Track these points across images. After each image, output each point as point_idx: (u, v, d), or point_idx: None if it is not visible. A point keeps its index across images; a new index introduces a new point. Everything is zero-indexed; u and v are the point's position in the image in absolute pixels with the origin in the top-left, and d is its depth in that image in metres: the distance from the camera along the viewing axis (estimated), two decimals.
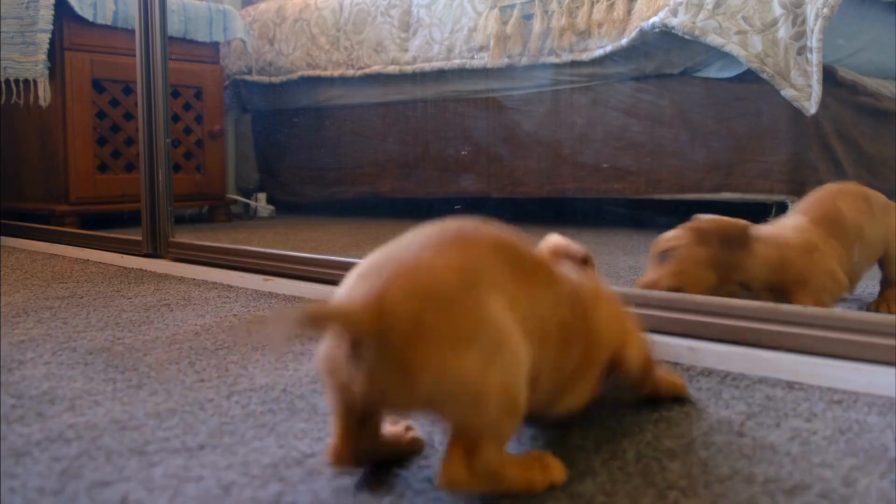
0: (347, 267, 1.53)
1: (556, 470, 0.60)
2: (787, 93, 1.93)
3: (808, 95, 1.91)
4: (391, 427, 0.66)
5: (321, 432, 0.73)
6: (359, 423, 0.58)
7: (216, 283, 1.59)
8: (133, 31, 2.64)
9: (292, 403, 0.81)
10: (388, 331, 0.50)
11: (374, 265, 0.56)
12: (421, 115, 2.81)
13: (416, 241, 0.57)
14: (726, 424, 0.74)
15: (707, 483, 0.61)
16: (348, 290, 0.55)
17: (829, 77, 2.01)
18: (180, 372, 0.93)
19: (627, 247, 2.01)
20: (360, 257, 1.51)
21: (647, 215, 2.56)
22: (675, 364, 0.96)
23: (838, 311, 1.00)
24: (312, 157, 3.17)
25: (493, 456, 0.54)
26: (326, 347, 0.56)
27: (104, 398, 0.83)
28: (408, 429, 0.67)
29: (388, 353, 0.51)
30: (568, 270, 0.70)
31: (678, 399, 0.81)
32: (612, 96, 2.34)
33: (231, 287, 1.54)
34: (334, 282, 1.42)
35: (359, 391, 0.53)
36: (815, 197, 1.25)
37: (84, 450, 0.68)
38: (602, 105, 2.36)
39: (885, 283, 1.28)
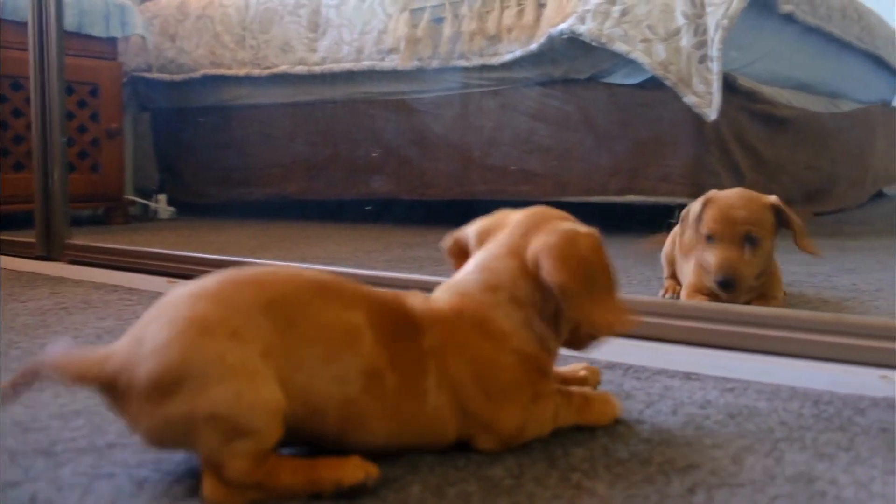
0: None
1: (348, 469, 0.58)
2: (689, 99, 1.99)
3: (708, 102, 1.98)
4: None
5: None
6: None
7: (117, 285, 1.52)
8: (22, 24, 2.53)
9: None
10: (111, 386, 0.57)
11: (143, 320, 0.60)
12: (330, 116, 2.78)
13: (192, 287, 0.61)
14: (627, 413, 0.76)
15: (607, 465, 0.63)
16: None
17: (729, 85, 2.08)
18: None
19: None
20: (268, 260, 1.47)
21: None
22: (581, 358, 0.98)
23: (731, 306, 1.05)
24: (217, 158, 3.09)
25: (241, 468, 0.55)
26: None
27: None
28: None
29: (114, 406, 0.58)
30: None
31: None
32: (521, 101, 2.36)
33: (133, 290, 1.48)
34: None
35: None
36: None
37: None
38: (511, 109, 2.38)
39: None
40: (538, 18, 2.26)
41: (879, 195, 3.42)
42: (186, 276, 1.47)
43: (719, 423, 0.73)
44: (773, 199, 1.19)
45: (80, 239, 1.77)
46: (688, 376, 0.90)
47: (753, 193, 1.20)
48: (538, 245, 0.67)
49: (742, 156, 2.20)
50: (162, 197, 3.19)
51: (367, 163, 2.69)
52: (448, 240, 0.77)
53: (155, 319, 0.58)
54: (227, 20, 2.96)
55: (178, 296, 0.60)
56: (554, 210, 0.73)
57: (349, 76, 2.67)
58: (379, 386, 0.60)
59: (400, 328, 0.63)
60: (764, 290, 1.23)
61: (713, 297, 1.20)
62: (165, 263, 1.54)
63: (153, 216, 3.17)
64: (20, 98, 2.60)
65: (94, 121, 2.81)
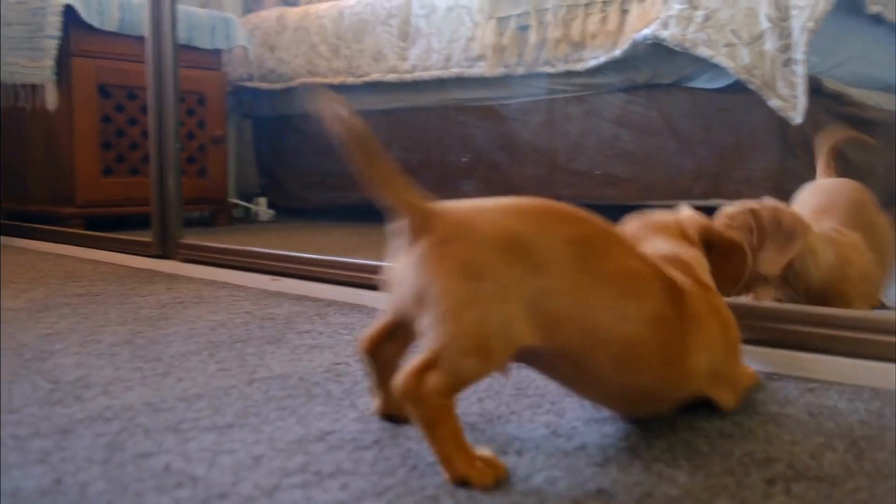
0: (352, 268, 1.59)
1: (486, 473, 0.61)
2: (774, 103, 2.01)
3: (793, 105, 1.99)
4: None
5: (338, 414, 0.79)
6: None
7: (225, 282, 1.65)
8: (138, 38, 2.72)
9: (309, 390, 0.88)
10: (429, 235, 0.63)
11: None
12: (421, 122, 2.88)
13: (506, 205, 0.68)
14: (707, 411, 0.80)
15: (688, 457, 0.68)
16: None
17: (815, 88, 2.08)
18: (201, 362, 1.00)
19: None
20: (365, 259, 1.57)
21: None
22: None
23: (813, 308, 1.07)
24: (314, 163, 3.24)
25: (441, 386, 0.60)
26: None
27: (135, 384, 0.89)
28: None
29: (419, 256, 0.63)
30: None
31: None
32: (605, 106, 2.41)
33: (240, 286, 1.60)
34: (340, 282, 1.49)
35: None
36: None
37: (123, 427, 0.75)
38: (595, 114, 2.43)
39: None
40: (622, 24, 2.30)
41: None
42: (288, 275, 1.59)
43: (799, 421, 0.77)
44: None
45: (191, 239, 1.91)
46: (769, 376, 0.94)
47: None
48: (699, 224, 0.87)
49: None
50: (262, 200, 3.37)
51: (457, 168, 2.78)
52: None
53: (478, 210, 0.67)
54: (323, 31, 3.10)
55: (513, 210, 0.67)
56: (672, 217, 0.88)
57: (439, 83, 2.77)
58: (662, 333, 0.68)
59: (675, 290, 0.72)
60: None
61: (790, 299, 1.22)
62: (269, 262, 1.66)
63: (254, 218, 3.34)
64: (135, 107, 2.79)
65: (200, 128, 2.99)
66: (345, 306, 1.39)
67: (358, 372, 0.95)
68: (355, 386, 0.89)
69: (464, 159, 2.75)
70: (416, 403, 0.61)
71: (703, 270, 0.81)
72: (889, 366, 0.91)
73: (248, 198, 3.42)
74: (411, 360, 0.62)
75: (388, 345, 0.73)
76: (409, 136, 2.91)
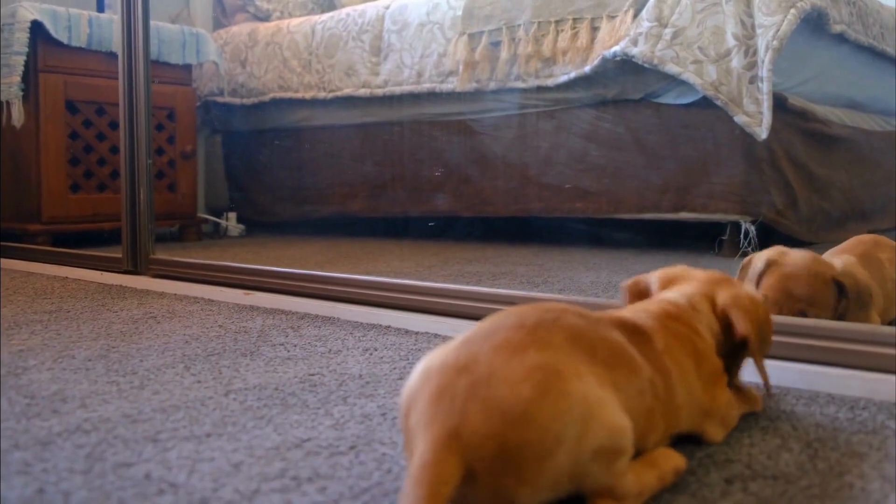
0: (325, 281, 1.60)
1: (675, 457, 0.65)
2: (740, 119, 2.05)
3: (759, 121, 2.03)
4: None
5: (314, 422, 0.80)
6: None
7: (198, 297, 1.65)
8: (107, 54, 2.72)
9: (285, 400, 0.89)
10: (476, 465, 0.53)
11: (445, 380, 0.56)
12: (393, 137, 2.90)
13: (489, 339, 0.59)
14: None
15: None
16: (424, 413, 0.55)
17: (780, 104, 2.13)
18: (177, 375, 1.00)
19: (590, 263, 2.11)
20: (336, 273, 1.57)
21: (608, 233, 2.67)
22: None
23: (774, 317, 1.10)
24: (284, 177, 3.24)
25: (628, 484, 0.58)
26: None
27: (111, 397, 0.89)
28: None
29: (482, 485, 0.53)
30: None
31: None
32: (575, 121, 2.45)
33: (213, 301, 1.60)
34: (313, 295, 1.49)
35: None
36: (855, 244, 1.31)
37: (102, 438, 0.75)
38: (565, 129, 2.46)
39: None
40: (592, 41, 2.34)
41: None
42: (262, 289, 1.59)
43: (758, 425, 0.79)
44: (837, 271, 1.15)
45: (161, 255, 1.90)
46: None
47: (820, 265, 1.15)
48: (728, 297, 0.80)
49: (794, 174, 2.24)
50: (232, 215, 3.35)
51: (428, 181, 2.80)
52: (629, 280, 0.88)
53: (488, 383, 0.55)
54: (295, 46, 3.11)
55: (496, 351, 0.57)
56: (729, 276, 0.85)
57: (411, 98, 2.79)
58: (657, 390, 0.66)
59: (639, 338, 0.69)
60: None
61: None
62: (242, 276, 1.66)
63: (223, 233, 3.33)
64: (104, 123, 2.78)
65: (170, 143, 2.98)
66: (318, 319, 1.40)
67: (332, 382, 0.96)
68: (330, 395, 0.90)
69: (436, 173, 2.77)
70: None
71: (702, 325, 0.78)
72: (845, 371, 0.94)
73: (218, 213, 3.40)
74: None
75: None
76: (381, 151, 2.92)
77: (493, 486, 0.53)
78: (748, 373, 0.97)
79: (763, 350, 0.81)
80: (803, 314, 1.13)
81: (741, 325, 0.78)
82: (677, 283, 0.83)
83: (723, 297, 0.80)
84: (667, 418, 0.68)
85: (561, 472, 0.54)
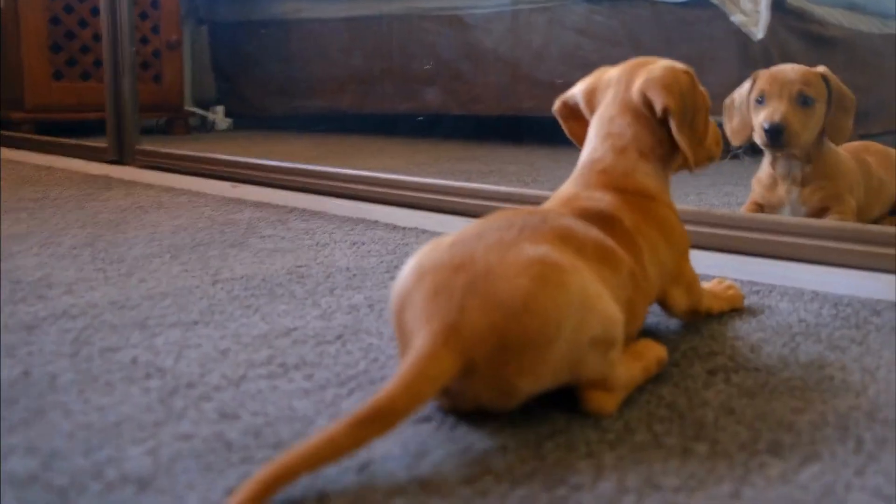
0: (314, 175, 1.58)
1: (658, 348, 0.66)
2: (736, 18, 2.01)
3: (755, 21, 1.99)
4: None
5: (301, 312, 0.81)
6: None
7: (185, 189, 1.64)
8: None
9: (272, 290, 0.89)
10: (477, 359, 0.52)
11: (442, 278, 0.56)
12: (384, 31, 2.83)
13: (482, 239, 0.58)
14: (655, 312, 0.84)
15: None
16: (422, 311, 0.55)
17: (778, 3, 2.08)
18: (164, 264, 1.00)
19: None
20: (327, 167, 1.56)
21: None
22: None
23: (759, 215, 1.10)
24: (273, 71, 3.17)
25: (619, 375, 0.59)
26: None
27: (98, 283, 0.90)
28: None
29: (481, 378, 0.53)
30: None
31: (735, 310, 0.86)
32: (568, 16, 2.39)
33: (200, 193, 1.59)
34: (302, 189, 1.49)
35: (460, 399, 0.56)
36: (845, 146, 1.31)
37: (89, 324, 0.76)
38: (558, 24, 2.41)
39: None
40: None
41: None
42: (250, 182, 1.58)
43: (742, 320, 0.80)
44: (822, 68, 1.20)
45: (150, 145, 1.88)
46: (719, 280, 0.97)
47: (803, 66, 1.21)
48: (642, 80, 0.74)
49: None
50: (220, 109, 3.30)
51: (419, 76, 2.75)
52: (557, 103, 0.84)
53: (487, 278, 0.54)
54: None
55: (488, 248, 0.57)
56: (648, 57, 0.80)
57: None
58: (637, 280, 0.67)
59: (609, 225, 0.68)
60: (828, 202, 1.21)
61: (760, 209, 1.25)
62: (229, 169, 1.65)
63: (211, 127, 3.28)
64: (86, 9, 2.70)
65: (155, 33, 2.90)
66: (306, 212, 1.40)
67: (320, 274, 0.96)
68: (317, 287, 0.91)
69: (426, 67, 2.72)
70: None
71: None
72: (830, 269, 0.95)
73: (205, 106, 3.35)
74: None
75: None
76: (371, 45, 2.86)
77: (494, 377, 0.53)
78: (732, 270, 0.98)
79: (696, 122, 0.75)
80: (802, 95, 1.16)
81: (658, 99, 0.72)
82: (599, 91, 0.79)
83: (637, 83, 0.75)
84: (645, 302, 0.69)
85: (561, 360, 0.54)
